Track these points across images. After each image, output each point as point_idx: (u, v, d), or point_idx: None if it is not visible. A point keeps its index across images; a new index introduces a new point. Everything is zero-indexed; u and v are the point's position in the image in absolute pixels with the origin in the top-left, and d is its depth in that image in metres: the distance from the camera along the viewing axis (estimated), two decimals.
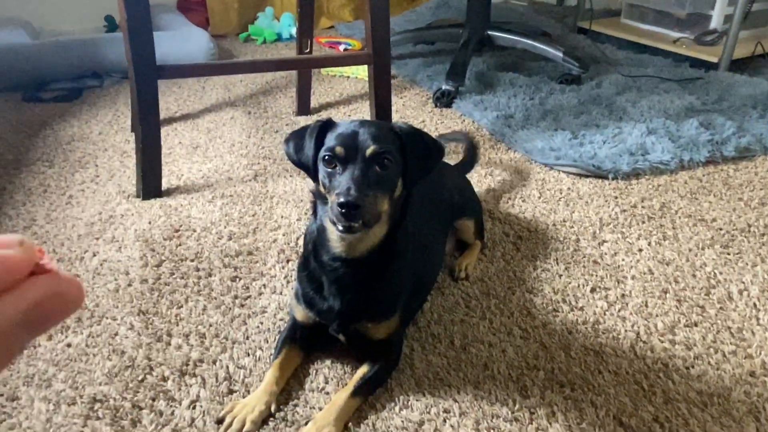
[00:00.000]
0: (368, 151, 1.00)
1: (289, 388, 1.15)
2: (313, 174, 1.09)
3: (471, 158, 1.87)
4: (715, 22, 3.04)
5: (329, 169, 1.03)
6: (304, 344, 1.21)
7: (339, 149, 1.01)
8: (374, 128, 1.04)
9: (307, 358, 1.22)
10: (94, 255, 1.55)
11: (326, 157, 1.03)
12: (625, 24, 3.44)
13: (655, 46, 3.16)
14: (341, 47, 3.36)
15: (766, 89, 2.60)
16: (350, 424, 1.07)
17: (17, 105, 2.56)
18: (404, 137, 1.07)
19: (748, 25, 2.91)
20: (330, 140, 1.04)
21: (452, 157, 1.95)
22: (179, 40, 2.94)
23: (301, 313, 1.19)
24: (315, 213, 1.12)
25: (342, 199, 0.94)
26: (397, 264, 1.13)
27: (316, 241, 1.12)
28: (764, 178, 1.96)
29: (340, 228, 0.98)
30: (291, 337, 1.20)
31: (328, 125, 1.09)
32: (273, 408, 1.09)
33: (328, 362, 1.21)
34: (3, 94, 2.67)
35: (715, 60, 2.90)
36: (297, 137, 1.12)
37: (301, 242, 1.55)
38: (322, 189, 1.05)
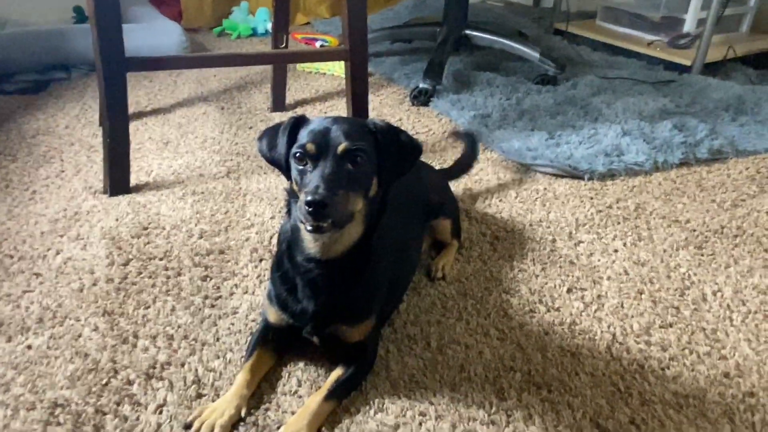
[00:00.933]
0: (340, 148, 0.98)
1: (260, 392, 1.12)
2: (286, 172, 1.06)
3: (470, 157, 1.85)
4: (689, 25, 3.08)
5: (300, 167, 1.00)
6: (276, 346, 1.17)
7: (310, 146, 0.98)
8: (347, 125, 1.02)
9: (280, 360, 1.18)
10: (58, 253, 1.49)
11: (297, 155, 1.00)
12: (601, 26, 3.46)
13: (630, 48, 3.18)
14: (317, 44, 3.32)
15: (737, 93, 2.63)
16: (324, 428, 1.04)
17: None
18: (379, 135, 1.04)
19: (721, 29, 2.95)
20: (302, 137, 1.01)
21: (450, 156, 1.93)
22: (150, 33, 2.87)
23: (273, 315, 1.15)
24: (289, 212, 1.08)
25: (309, 198, 0.91)
26: (372, 265, 1.10)
27: (290, 241, 1.09)
28: (736, 180, 1.98)
29: (309, 228, 0.95)
30: (263, 339, 1.16)
31: (301, 122, 1.06)
32: (243, 412, 1.06)
33: (301, 365, 1.18)
34: None
35: (688, 63, 2.93)
36: (270, 134, 1.09)
37: (274, 241, 1.52)
38: (294, 187, 1.02)
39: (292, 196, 1.06)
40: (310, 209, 0.91)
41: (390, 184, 1.08)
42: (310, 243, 1.04)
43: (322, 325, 1.11)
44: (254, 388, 1.11)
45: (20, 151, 2.01)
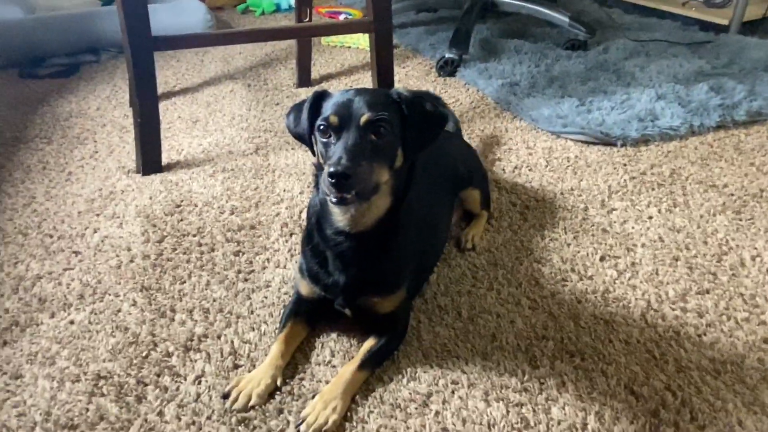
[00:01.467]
0: (362, 119, 0.97)
1: (295, 362, 1.14)
2: (310, 146, 1.06)
3: None
4: None
5: (324, 139, 1.00)
6: (309, 318, 1.19)
7: (333, 118, 0.98)
8: (370, 96, 1.01)
9: (313, 331, 1.20)
10: (95, 231, 1.53)
11: (321, 127, 1.00)
12: None
13: (664, 9, 3.08)
14: (341, 17, 3.29)
15: None
16: (357, 397, 1.06)
17: (14, 82, 2.52)
18: (404, 104, 1.03)
19: None
20: (325, 109, 1.02)
21: None
22: (175, 12, 2.88)
23: (305, 288, 1.17)
24: (318, 186, 1.09)
25: (332, 169, 0.91)
26: (401, 237, 1.11)
27: (319, 215, 1.09)
28: None
29: (333, 200, 0.95)
30: (296, 311, 1.18)
31: (324, 95, 1.06)
32: (279, 382, 1.08)
33: (333, 335, 1.20)
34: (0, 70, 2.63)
35: (725, 22, 2.82)
36: (296, 110, 1.10)
37: (304, 215, 1.53)
38: (320, 160, 1.02)
39: (319, 169, 1.06)
40: (333, 181, 0.91)
41: (416, 154, 1.07)
42: (338, 216, 1.05)
43: (354, 296, 1.12)
44: (289, 359, 1.13)
45: (55, 134, 2.06)
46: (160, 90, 2.38)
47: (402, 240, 1.11)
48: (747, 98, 2.12)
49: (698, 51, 2.62)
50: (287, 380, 1.10)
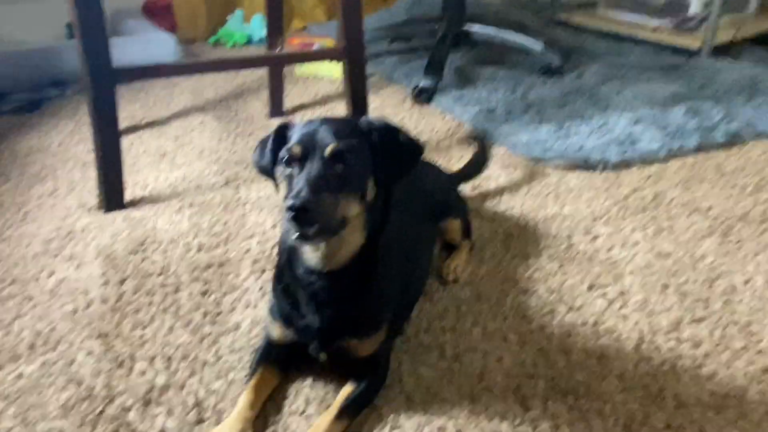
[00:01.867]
0: (327, 150, 0.91)
1: (265, 413, 1.04)
2: (274, 180, 1.00)
3: (480, 160, 1.78)
4: (694, 8, 2.99)
5: (288, 171, 0.94)
6: (280, 363, 1.09)
7: (296, 148, 0.92)
8: (336, 125, 0.95)
9: (285, 378, 1.11)
10: (51, 274, 1.42)
11: (284, 159, 0.94)
12: (603, 14, 3.37)
13: (635, 35, 3.10)
14: (315, 47, 3.25)
15: (750, 74, 2.55)
16: None
17: None
18: (375, 134, 0.97)
19: (727, 9, 2.86)
20: (289, 141, 0.96)
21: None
22: (143, 45, 2.81)
23: (277, 331, 1.08)
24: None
25: (290, 203, 0.84)
26: (380, 274, 1.03)
27: (289, 252, 1.02)
28: (757, 163, 1.90)
29: (294, 236, 0.88)
30: (266, 356, 1.09)
31: (287, 127, 1.00)
32: None
33: (308, 382, 1.10)
34: None
35: (696, 46, 2.85)
36: (262, 144, 1.05)
37: (276, 251, 1.44)
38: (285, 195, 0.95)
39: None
40: (292, 214, 0.84)
41: (390, 186, 1.01)
42: (309, 254, 0.97)
43: (329, 340, 1.03)
44: (259, 409, 1.03)
45: (13, 171, 1.95)
46: (125, 124, 2.29)
47: (380, 277, 1.03)
48: (724, 120, 2.11)
49: (672, 75, 2.63)
50: None
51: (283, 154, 0.94)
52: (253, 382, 1.05)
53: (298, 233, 0.87)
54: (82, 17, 1.51)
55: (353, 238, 0.97)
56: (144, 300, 1.32)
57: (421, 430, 1.00)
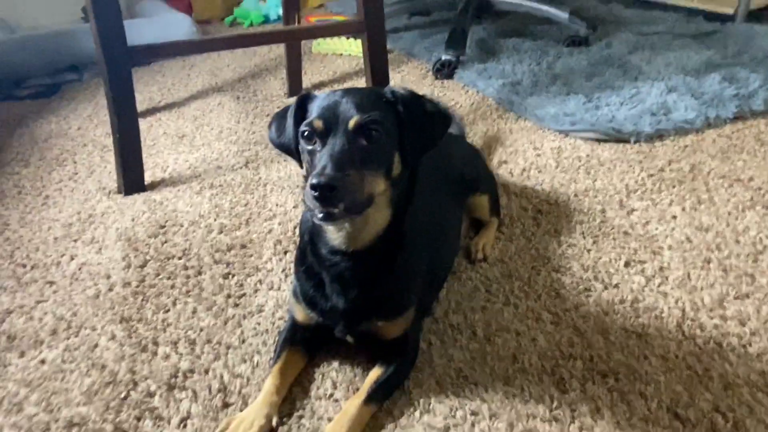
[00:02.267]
0: (351, 123, 0.85)
1: (292, 397, 1.01)
2: (297, 156, 0.94)
3: None
4: None
5: (309, 147, 0.88)
6: (306, 346, 1.06)
7: (318, 122, 0.87)
8: (359, 96, 0.89)
9: (311, 361, 1.07)
10: (72, 258, 1.40)
11: (305, 133, 0.88)
12: None
13: (665, 1, 2.97)
14: None
15: None
16: None
17: None
18: (400, 104, 0.91)
19: None
20: (310, 114, 0.90)
21: None
22: (160, 26, 2.78)
23: (301, 313, 1.04)
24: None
25: (314, 180, 0.79)
26: (406, 252, 0.98)
27: (312, 233, 0.97)
28: None
29: (318, 215, 0.83)
30: (291, 338, 1.05)
31: (308, 98, 0.94)
32: (275, 421, 0.95)
33: (335, 365, 1.07)
34: None
35: (730, 11, 2.72)
36: (279, 119, 0.99)
37: (297, 232, 1.41)
38: (308, 172, 0.90)
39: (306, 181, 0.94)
40: (317, 194, 0.79)
41: (417, 160, 0.95)
42: (333, 233, 0.93)
43: (356, 322, 0.99)
44: (285, 394, 1.00)
45: (32, 156, 1.94)
46: (144, 106, 2.27)
47: (407, 255, 0.98)
48: (762, 87, 2.01)
49: (705, 42, 2.51)
50: (284, 418, 0.97)
51: (303, 128, 0.88)
52: (278, 365, 1.02)
53: (323, 213, 0.82)
54: None
55: (379, 216, 0.92)
56: (166, 283, 1.30)
57: (454, 414, 0.96)
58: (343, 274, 0.95)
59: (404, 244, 0.98)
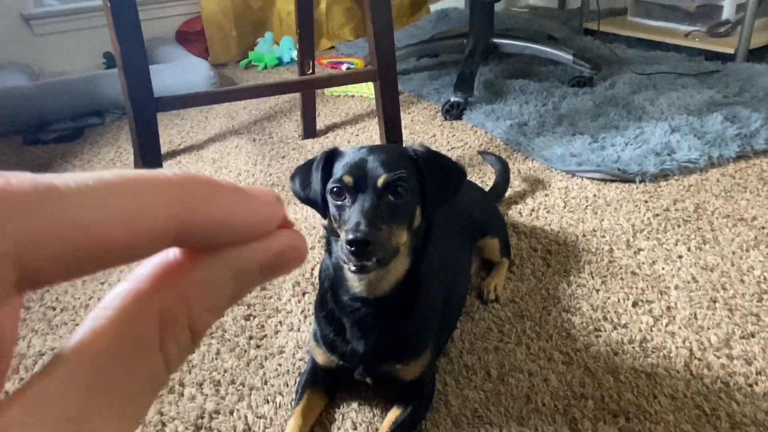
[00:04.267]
0: (380, 181, 0.91)
1: None
2: (323, 210, 0.99)
3: (503, 180, 1.77)
4: (727, 12, 2.94)
5: (339, 202, 0.93)
6: (326, 387, 1.10)
7: (347, 178, 0.92)
8: (385, 154, 0.95)
9: (332, 401, 1.12)
10: (99, 301, 1.46)
11: (335, 189, 0.93)
12: (633, 21, 3.34)
13: (667, 41, 3.06)
14: (343, 67, 3.29)
15: None
16: None
17: (18, 149, 2.50)
18: (420, 161, 0.98)
19: (762, 12, 2.80)
20: (338, 170, 0.95)
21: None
22: (179, 71, 2.89)
23: (321, 357, 1.09)
24: (329, 250, 1.02)
25: (351, 236, 0.84)
26: (423, 297, 1.03)
27: (332, 280, 1.02)
28: None
29: (352, 268, 0.88)
30: (312, 380, 1.10)
31: (334, 154, 0.99)
32: None
33: (354, 405, 1.11)
34: (4, 138, 2.62)
35: (731, 51, 2.80)
36: (303, 172, 1.03)
37: (316, 273, 1.46)
38: (334, 225, 0.96)
39: (331, 233, 1.00)
40: (353, 248, 0.84)
41: (434, 212, 1.01)
42: (354, 282, 0.98)
43: (375, 365, 1.04)
44: None
45: None
46: (164, 149, 2.35)
47: (423, 300, 1.04)
48: (764, 126, 2.07)
49: (707, 81, 2.58)
50: None
51: (333, 185, 0.93)
52: (300, 407, 1.06)
53: (357, 266, 0.87)
54: (125, 50, 1.56)
55: (399, 265, 0.98)
56: None
57: None
58: (364, 319, 1.00)
59: (420, 290, 1.03)
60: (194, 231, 0.21)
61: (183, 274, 0.22)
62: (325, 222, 1.02)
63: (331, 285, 1.03)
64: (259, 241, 0.24)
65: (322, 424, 1.08)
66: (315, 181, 0.98)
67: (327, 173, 0.97)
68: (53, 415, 0.18)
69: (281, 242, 0.24)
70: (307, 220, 1.77)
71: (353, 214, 0.89)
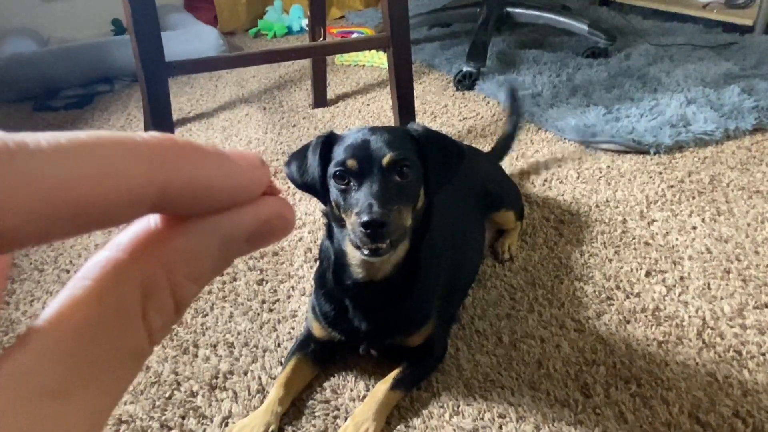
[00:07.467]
0: (385, 161, 0.89)
1: (300, 406, 1.05)
2: (322, 195, 0.96)
3: (510, 133, 1.73)
4: None
5: (342, 186, 0.90)
6: (316, 357, 1.09)
7: (351, 162, 0.89)
8: (387, 134, 0.92)
9: (323, 369, 1.11)
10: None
11: (337, 173, 0.90)
12: None
13: (684, 12, 3.00)
14: (353, 36, 3.25)
15: None
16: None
17: (28, 115, 2.50)
18: (421, 140, 0.96)
19: None
20: (339, 153, 0.92)
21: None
22: (188, 38, 2.87)
23: (319, 330, 1.08)
24: (330, 236, 1.01)
25: (366, 218, 0.82)
26: (423, 274, 1.03)
27: (335, 264, 1.01)
28: None
29: (366, 252, 0.87)
30: (302, 348, 1.09)
31: (331, 138, 0.96)
32: (272, 429, 0.98)
33: (350, 377, 1.11)
34: (14, 104, 2.62)
35: (749, 23, 2.74)
36: (298, 157, 0.98)
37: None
38: (336, 210, 0.93)
39: (332, 219, 0.97)
40: (368, 231, 0.82)
41: (436, 193, 0.99)
42: (357, 267, 0.97)
43: (379, 340, 1.05)
44: (289, 404, 1.03)
45: None
46: (175, 117, 2.34)
47: (424, 276, 1.03)
48: None
49: (724, 53, 2.54)
50: (285, 426, 1.00)
51: (335, 168, 0.90)
52: (283, 375, 1.04)
53: (371, 249, 0.86)
54: (136, 15, 1.54)
55: (401, 247, 0.96)
56: (203, 289, 1.36)
57: (482, 416, 1.00)
58: (365, 300, 1.00)
59: (421, 268, 1.02)
60: (175, 195, 0.20)
61: (165, 242, 0.21)
62: (325, 208, 0.99)
63: (333, 267, 1.01)
64: (244, 209, 0.22)
65: (314, 389, 1.08)
66: (313, 166, 0.94)
67: (325, 158, 0.93)
68: (31, 389, 0.17)
69: (268, 210, 0.23)
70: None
71: (362, 196, 0.86)
